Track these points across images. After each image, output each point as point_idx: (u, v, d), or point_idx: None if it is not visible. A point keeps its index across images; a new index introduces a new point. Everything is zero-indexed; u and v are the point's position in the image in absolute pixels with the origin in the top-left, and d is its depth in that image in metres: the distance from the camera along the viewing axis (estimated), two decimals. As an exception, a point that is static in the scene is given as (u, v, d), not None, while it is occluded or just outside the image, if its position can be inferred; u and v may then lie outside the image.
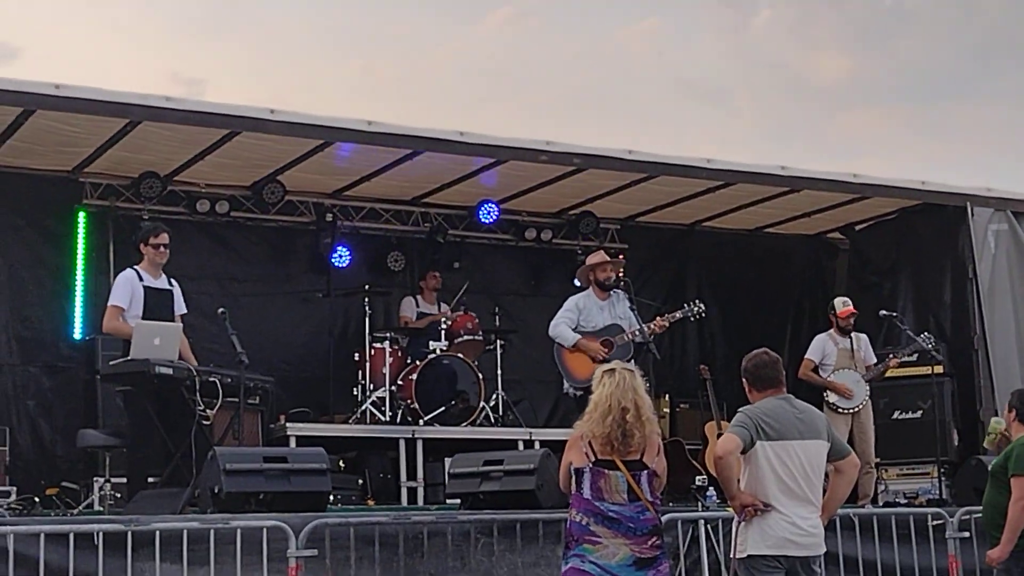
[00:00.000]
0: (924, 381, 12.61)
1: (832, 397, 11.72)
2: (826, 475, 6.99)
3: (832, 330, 12.08)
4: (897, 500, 11.87)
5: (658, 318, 10.95)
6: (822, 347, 12.00)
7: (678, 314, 11.23)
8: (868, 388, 11.83)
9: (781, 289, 15.51)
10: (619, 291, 10.97)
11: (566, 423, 11.56)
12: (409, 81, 29.94)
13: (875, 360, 12.04)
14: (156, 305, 9.65)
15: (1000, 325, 13.14)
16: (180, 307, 9.91)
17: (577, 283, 11.53)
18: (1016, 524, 7.83)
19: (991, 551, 7.94)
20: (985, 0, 31.13)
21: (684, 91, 31.96)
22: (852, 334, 12.01)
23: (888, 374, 12.19)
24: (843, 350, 11.89)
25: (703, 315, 11.43)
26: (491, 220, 13.67)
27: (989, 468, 8.27)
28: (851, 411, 11.71)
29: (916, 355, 12.28)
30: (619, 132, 31.19)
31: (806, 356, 12.06)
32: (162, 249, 9.72)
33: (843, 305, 12.07)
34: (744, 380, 7.06)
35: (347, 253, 13.38)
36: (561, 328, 10.71)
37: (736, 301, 15.12)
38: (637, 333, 10.62)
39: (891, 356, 12.09)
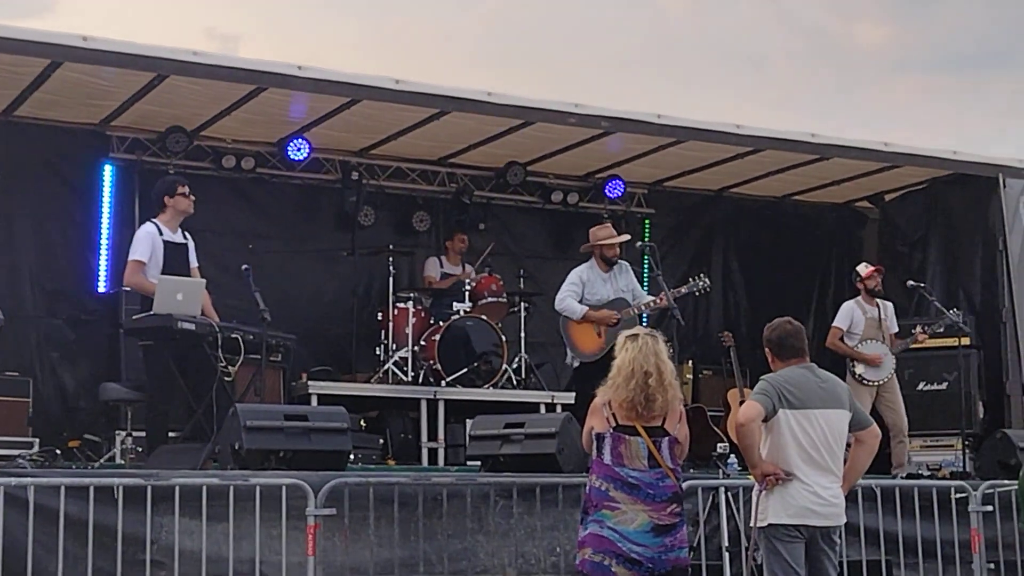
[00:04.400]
0: (951, 353, 12.48)
1: (859, 368, 11.59)
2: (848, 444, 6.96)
3: (860, 297, 11.93)
4: (920, 472, 11.78)
5: (662, 294, 10.87)
6: (850, 314, 11.82)
7: (683, 289, 11.20)
8: (895, 361, 11.71)
9: (807, 257, 15.41)
10: (622, 262, 10.95)
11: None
12: (443, 41, 29.80)
13: (896, 330, 11.91)
14: (173, 259, 9.66)
15: (1029, 298, 13.02)
16: (193, 260, 9.92)
17: (581, 252, 11.45)
18: None
19: None
20: (1027, -30, 30.72)
21: (720, 56, 31.74)
22: (879, 302, 11.88)
23: (913, 345, 12.07)
24: (871, 319, 11.75)
25: (708, 290, 11.41)
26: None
27: None
28: (877, 383, 11.59)
29: (943, 328, 12.12)
30: (653, 96, 31.00)
31: (834, 324, 11.88)
32: (191, 196, 9.78)
33: (865, 267, 11.94)
34: (767, 349, 7.03)
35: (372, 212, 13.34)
36: (568, 302, 10.73)
37: (761, 268, 15.05)
38: (643, 307, 10.63)
39: (920, 329, 11.96)
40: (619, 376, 6.67)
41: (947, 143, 13.48)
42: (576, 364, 10.72)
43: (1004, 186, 13.17)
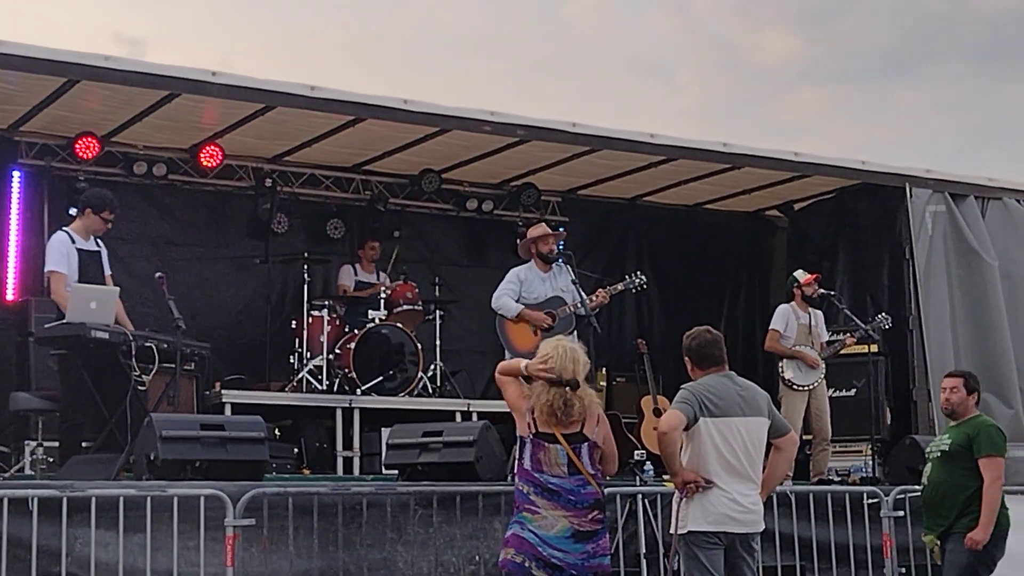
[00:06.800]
0: (859, 360, 12.66)
1: (788, 374, 11.57)
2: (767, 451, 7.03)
3: (794, 302, 11.97)
4: (830, 477, 11.95)
5: (600, 290, 10.89)
6: (786, 318, 11.77)
7: (620, 286, 11.17)
8: (824, 367, 11.77)
9: (719, 265, 15.57)
10: (561, 264, 10.93)
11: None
12: (355, 48, 29.71)
13: (826, 338, 12.01)
14: (87, 267, 9.58)
15: (935, 306, 13.21)
16: (107, 268, 9.84)
17: (520, 255, 11.46)
18: (994, 505, 7.86)
19: (974, 533, 7.82)
20: (927, -15, 31.41)
21: (629, 67, 32.02)
22: (811, 310, 11.94)
23: (822, 352, 12.20)
24: (802, 325, 11.75)
25: (644, 287, 11.37)
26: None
27: (942, 448, 8.19)
28: (807, 388, 11.58)
29: (873, 333, 12.21)
30: (564, 105, 31.17)
31: (772, 327, 11.78)
32: (109, 225, 9.79)
33: (803, 274, 11.96)
34: (686, 358, 7.07)
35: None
36: (504, 300, 10.62)
37: (674, 276, 15.16)
38: (579, 306, 10.56)
39: (848, 334, 12.09)
40: (538, 382, 6.72)
41: (854, 153, 13.61)
42: None
43: (911, 196, 13.36)
